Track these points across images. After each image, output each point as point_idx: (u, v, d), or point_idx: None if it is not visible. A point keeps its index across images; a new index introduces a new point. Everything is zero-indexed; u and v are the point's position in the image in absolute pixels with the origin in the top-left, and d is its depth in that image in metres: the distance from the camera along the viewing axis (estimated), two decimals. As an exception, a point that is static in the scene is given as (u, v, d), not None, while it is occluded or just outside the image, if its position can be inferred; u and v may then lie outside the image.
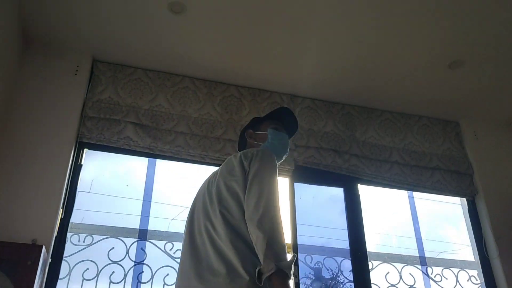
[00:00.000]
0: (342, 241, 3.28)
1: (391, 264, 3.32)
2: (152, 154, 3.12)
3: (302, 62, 3.21)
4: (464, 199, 3.62)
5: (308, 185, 3.38)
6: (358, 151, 3.43)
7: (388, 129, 3.64)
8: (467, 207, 3.60)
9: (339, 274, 3.38)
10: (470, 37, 2.97)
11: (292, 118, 1.96)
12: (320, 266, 3.40)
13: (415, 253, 3.42)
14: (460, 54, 3.12)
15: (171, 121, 3.17)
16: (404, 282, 3.27)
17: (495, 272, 3.32)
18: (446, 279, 3.42)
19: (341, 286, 3.35)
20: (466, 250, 3.60)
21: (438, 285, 3.33)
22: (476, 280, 3.42)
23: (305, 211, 3.27)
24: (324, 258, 3.37)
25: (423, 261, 3.40)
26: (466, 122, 3.82)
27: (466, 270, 3.51)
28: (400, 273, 3.29)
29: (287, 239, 3.13)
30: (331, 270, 3.41)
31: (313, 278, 3.39)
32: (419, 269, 3.39)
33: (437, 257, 3.50)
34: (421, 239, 3.47)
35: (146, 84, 3.27)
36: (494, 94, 3.54)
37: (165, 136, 3.12)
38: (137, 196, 3.08)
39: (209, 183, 1.69)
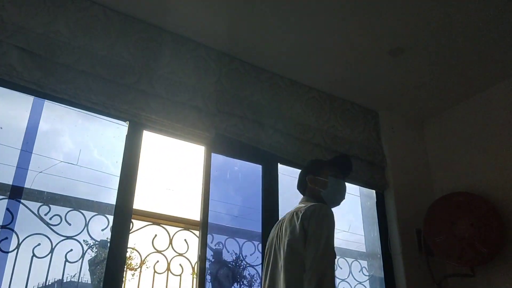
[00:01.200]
0: (255, 222, 2.97)
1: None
2: (41, 92, 2.43)
3: (234, 16, 2.79)
4: (374, 191, 3.56)
5: (226, 157, 2.99)
6: (282, 127, 3.12)
7: (314, 108, 3.39)
8: (375, 200, 3.55)
9: (241, 257, 3.09)
10: (411, 25, 2.83)
11: (349, 165, 2.20)
12: (221, 248, 3.06)
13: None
14: (401, 42, 2.98)
15: (72, 54, 2.50)
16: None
17: (396, 268, 3.32)
18: (341, 268, 3.36)
19: (241, 270, 3.06)
20: (360, 241, 3.58)
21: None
22: (366, 271, 3.41)
23: (220, 186, 2.89)
24: (226, 239, 3.03)
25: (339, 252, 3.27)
26: (385, 114, 3.75)
27: (359, 260, 3.49)
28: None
29: (197, 215, 2.73)
30: (234, 253, 3.10)
31: (212, 260, 3.05)
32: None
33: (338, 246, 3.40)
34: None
35: (43, 2, 2.53)
36: (414, 90, 3.49)
37: (61, 72, 2.45)
38: (13, 144, 2.37)
39: (279, 232, 1.99)
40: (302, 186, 2.17)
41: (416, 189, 3.61)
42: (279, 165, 3.14)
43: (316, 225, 1.80)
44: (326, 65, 3.22)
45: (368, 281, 3.45)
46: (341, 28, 2.88)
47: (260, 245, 3.00)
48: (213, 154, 2.87)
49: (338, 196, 2.08)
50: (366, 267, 3.52)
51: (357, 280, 3.42)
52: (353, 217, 3.70)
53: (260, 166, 3.06)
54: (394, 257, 3.33)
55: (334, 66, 3.23)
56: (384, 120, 3.73)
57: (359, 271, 3.46)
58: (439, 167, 3.70)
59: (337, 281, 3.31)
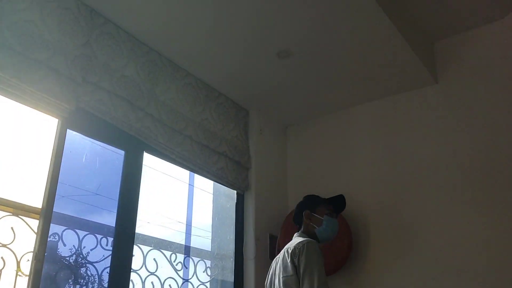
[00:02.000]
0: (108, 213, 2.55)
1: (160, 251, 2.82)
2: None
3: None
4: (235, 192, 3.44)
5: (84, 137, 2.50)
6: (155, 111, 2.76)
7: (190, 96, 3.10)
8: (235, 201, 3.43)
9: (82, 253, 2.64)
10: (300, 29, 2.76)
11: (344, 205, 2.40)
12: (57, 240, 2.58)
13: (182, 242, 3.03)
14: (289, 45, 2.90)
15: None
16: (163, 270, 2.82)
17: (246, 272, 3.24)
18: (186, 268, 3.16)
19: (79, 268, 2.62)
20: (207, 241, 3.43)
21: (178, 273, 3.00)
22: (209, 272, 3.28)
23: (73, 169, 2.40)
24: (64, 231, 2.56)
25: (187, 251, 3.03)
26: (255, 114, 3.66)
27: (205, 260, 3.33)
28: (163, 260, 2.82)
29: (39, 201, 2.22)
30: (73, 248, 2.63)
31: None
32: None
33: (198, 247, 3.19)
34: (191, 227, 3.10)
35: None
36: (287, 94, 3.47)
37: None
38: None
39: (274, 271, 2.18)
40: (298, 219, 2.29)
41: (275, 194, 3.61)
42: (145, 154, 2.78)
43: (306, 261, 1.96)
44: (210, 53, 2.96)
45: (209, 282, 3.30)
46: (230, 21, 2.66)
47: (104, 240, 2.59)
48: (68, 131, 2.36)
49: (331, 234, 2.23)
50: (210, 266, 3.38)
51: (200, 281, 3.25)
52: (204, 215, 3.52)
53: (123, 152, 2.66)
54: (246, 261, 3.25)
55: (217, 56, 2.99)
56: (253, 120, 3.63)
57: (203, 271, 3.30)
58: (296, 176, 3.76)
59: (180, 281, 3.09)
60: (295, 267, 2.00)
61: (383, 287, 3.05)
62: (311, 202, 2.32)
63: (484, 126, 2.98)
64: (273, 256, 3.36)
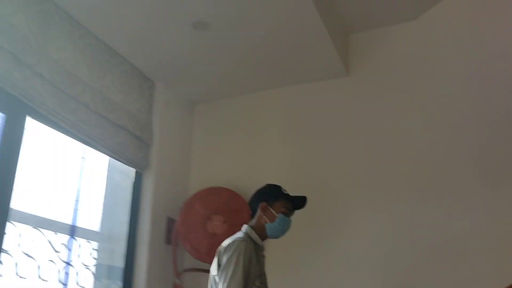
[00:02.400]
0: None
1: (39, 230, 2.46)
2: None
3: None
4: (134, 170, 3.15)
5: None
6: (46, 71, 2.38)
7: (89, 58, 2.74)
8: (132, 179, 3.15)
9: None
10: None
11: (303, 206, 2.20)
12: None
13: (67, 221, 2.68)
14: (206, 16, 2.69)
15: None
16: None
17: (139, 256, 3.00)
18: (70, 250, 2.83)
19: None
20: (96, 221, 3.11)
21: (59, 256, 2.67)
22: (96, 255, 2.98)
23: None
24: None
25: (72, 231, 2.70)
26: (162, 87, 3.38)
27: (90, 241, 3.01)
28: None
29: None
30: None
31: None
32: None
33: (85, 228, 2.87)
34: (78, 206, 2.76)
35: None
36: (198, 69, 3.25)
37: None
38: None
39: None
40: (253, 206, 2.17)
41: (176, 176, 3.39)
42: (29, 119, 2.39)
43: (226, 260, 1.90)
44: (116, 12, 2.63)
45: (95, 267, 3.00)
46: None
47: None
48: None
49: (281, 233, 2.12)
50: (97, 249, 3.07)
51: (84, 265, 2.94)
52: (95, 193, 3.19)
53: (3, 115, 2.25)
54: (139, 245, 3.01)
55: (124, 17, 2.67)
56: (159, 93, 3.35)
57: (90, 254, 2.99)
58: (201, 158, 3.58)
59: (61, 265, 2.75)
60: (219, 265, 1.95)
61: (293, 275, 3.01)
62: (271, 195, 2.15)
63: (392, 122, 3.05)
64: (169, 241, 3.16)
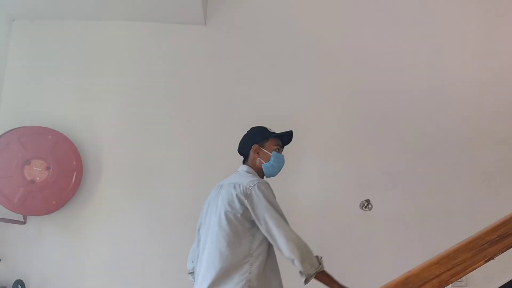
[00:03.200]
0: None
1: None
2: None
3: None
4: None
5: None
6: None
7: None
8: None
9: None
10: None
11: (290, 140, 2.24)
12: None
13: None
14: None
15: None
16: None
17: None
18: None
19: None
20: None
21: None
22: None
23: None
24: None
25: None
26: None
27: None
28: None
29: None
30: None
31: None
32: None
33: None
34: None
35: None
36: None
37: None
38: None
39: (213, 201, 2.04)
40: (245, 151, 2.18)
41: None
42: None
43: (269, 201, 1.89)
44: None
45: None
46: None
47: None
48: None
49: (277, 170, 2.16)
50: None
51: None
52: None
53: None
54: None
55: None
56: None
57: None
58: (18, 86, 2.96)
59: None
60: (244, 207, 1.89)
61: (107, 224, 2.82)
62: (260, 136, 2.17)
63: (242, 76, 3.04)
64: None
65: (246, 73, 3.07)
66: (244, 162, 2.17)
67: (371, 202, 2.88)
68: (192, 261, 2.13)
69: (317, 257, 1.84)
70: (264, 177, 2.15)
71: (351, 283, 1.82)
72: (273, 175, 2.17)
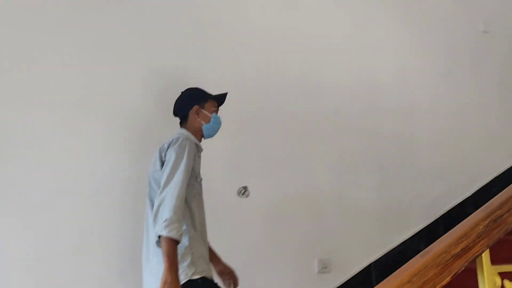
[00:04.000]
0: None
1: None
2: None
3: None
4: None
5: None
6: None
7: None
8: None
9: None
10: None
11: (224, 99, 2.25)
12: None
13: None
14: None
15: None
16: None
17: None
18: None
19: None
20: None
21: None
22: None
23: None
24: None
25: None
26: None
27: None
28: None
29: None
30: None
31: None
32: None
33: None
34: None
35: None
36: None
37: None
38: None
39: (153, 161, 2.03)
40: (183, 113, 2.15)
41: None
42: None
43: (172, 155, 1.88)
44: None
45: None
46: None
47: None
48: None
49: (216, 131, 2.17)
50: None
51: None
52: None
53: None
54: None
55: None
56: None
57: None
58: None
59: None
60: (162, 163, 1.92)
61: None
62: (200, 97, 2.18)
63: None
64: None
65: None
66: (181, 125, 2.13)
67: (248, 189, 2.65)
68: None
69: (182, 232, 1.74)
70: (202, 139, 2.14)
71: None
72: (211, 137, 2.18)
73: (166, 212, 1.71)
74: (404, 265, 1.32)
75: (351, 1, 3.22)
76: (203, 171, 2.28)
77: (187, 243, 1.78)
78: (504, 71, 3.80)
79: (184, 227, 1.77)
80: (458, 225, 1.40)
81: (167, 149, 1.92)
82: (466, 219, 1.41)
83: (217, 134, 2.17)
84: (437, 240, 1.38)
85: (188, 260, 1.77)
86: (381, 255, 3.02)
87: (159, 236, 1.70)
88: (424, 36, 3.50)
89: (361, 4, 3.26)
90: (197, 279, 1.76)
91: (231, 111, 2.62)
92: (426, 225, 3.23)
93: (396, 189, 3.17)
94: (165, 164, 1.87)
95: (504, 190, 1.50)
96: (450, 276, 1.28)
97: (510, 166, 3.61)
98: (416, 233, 3.18)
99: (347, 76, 3.12)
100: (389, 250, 3.07)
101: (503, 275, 1.38)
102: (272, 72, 2.86)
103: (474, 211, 3.27)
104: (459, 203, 3.37)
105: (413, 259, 1.33)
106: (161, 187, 1.80)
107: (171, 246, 1.67)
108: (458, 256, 1.30)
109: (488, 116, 3.64)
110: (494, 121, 3.66)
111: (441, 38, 3.56)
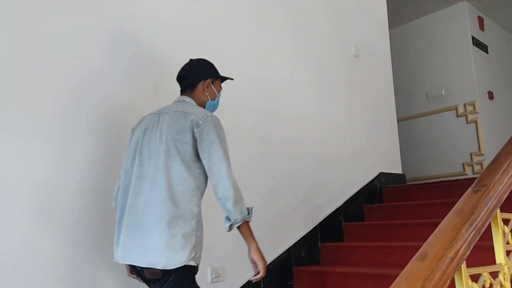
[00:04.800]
0: None
1: None
2: None
3: None
4: None
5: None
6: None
7: None
8: None
9: None
10: None
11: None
12: None
13: None
14: None
15: None
16: None
17: None
18: None
19: None
20: None
21: None
22: None
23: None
24: None
25: None
26: None
27: None
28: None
29: None
30: None
31: None
32: None
33: None
34: None
35: None
36: None
37: None
38: None
39: (152, 129, 1.82)
40: (192, 81, 1.98)
41: None
42: None
43: (216, 137, 1.75)
44: None
45: None
46: None
47: None
48: None
49: (214, 109, 2.03)
50: None
51: None
52: None
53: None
54: None
55: None
56: None
57: None
58: None
59: None
60: (195, 138, 1.74)
61: None
62: (214, 72, 2.02)
63: None
64: None
65: None
66: (183, 93, 1.99)
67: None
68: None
69: (248, 208, 1.73)
70: None
71: None
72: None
73: (239, 204, 1.70)
74: (405, 269, 1.23)
75: (247, 13, 3.17)
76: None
77: (195, 225, 1.71)
78: (370, 91, 4.17)
79: (196, 210, 1.73)
80: (439, 228, 1.38)
81: (203, 127, 1.76)
82: (445, 222, 1.39)
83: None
84: (426, 242, 1.33)
85: (193, 242, 1.68)
86: (269, 262, 2.95)
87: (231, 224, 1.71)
88: (309, 53, 3.63)
89: (255, 18, 3.23)
90: (194, 266, 1.70)
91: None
92: (307, 232, 3.28)
93: (284, 197, 3.16)
94: (210, 143, 1.74)
95: (465, 194, 1.54)
96: (449, 280, 1.24)
97: (372, 178, 3.94)
98: (299, 240, 3.20)
99: (240, 84, 3.02)
100: (276, 257, 3.02)
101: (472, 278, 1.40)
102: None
103: (344, 220, 3.52)
104: (332, 212, 3.52)
105: (411, 262, 1.25)
106: (221, 175, 1.71)
107: (250, 228, 1.74)
108: (452, 259, 1.27)
109: (356, 131, 3.93)
110: (361, 135, 3.96)
111: (322, 57, 3.74)
